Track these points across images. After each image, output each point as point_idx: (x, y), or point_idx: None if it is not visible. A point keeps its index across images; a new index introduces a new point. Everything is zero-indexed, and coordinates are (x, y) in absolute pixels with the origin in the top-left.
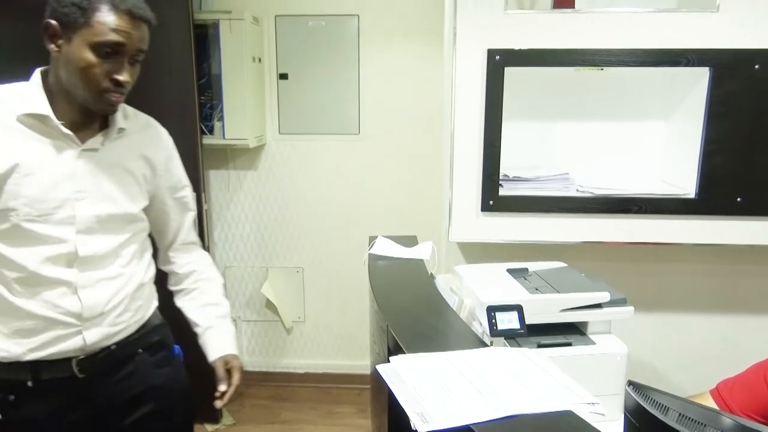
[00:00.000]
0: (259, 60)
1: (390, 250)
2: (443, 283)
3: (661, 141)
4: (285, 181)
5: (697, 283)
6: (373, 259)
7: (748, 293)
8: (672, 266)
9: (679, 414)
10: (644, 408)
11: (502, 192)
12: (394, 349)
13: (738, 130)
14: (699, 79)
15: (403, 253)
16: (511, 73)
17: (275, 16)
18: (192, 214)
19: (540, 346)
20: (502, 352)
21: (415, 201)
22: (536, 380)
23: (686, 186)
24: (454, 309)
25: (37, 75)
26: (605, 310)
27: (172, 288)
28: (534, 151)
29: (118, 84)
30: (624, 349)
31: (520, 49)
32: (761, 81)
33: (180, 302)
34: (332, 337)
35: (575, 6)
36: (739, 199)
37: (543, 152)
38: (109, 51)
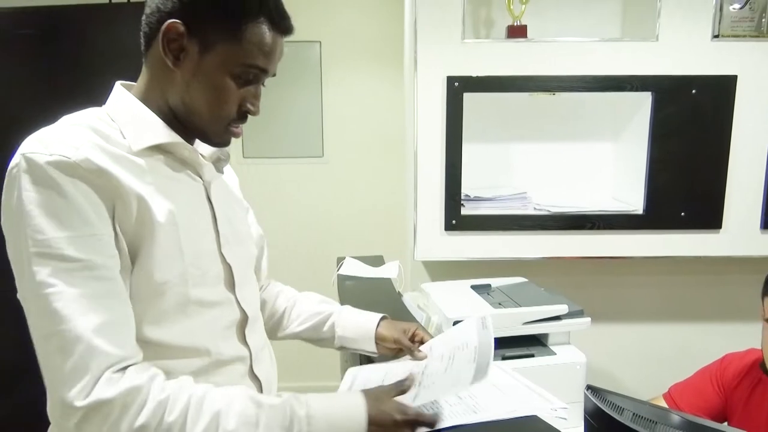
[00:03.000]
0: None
1: (358, 270)
2: (411, 301)
3: (611, 161)
4: (250, 204)
5: (649, 294)
6: (342, 279)
7: (695, 302)
8: (625, 278)
9: (633, 414)
10: (601, 409)
11: (464, 211)
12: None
13: (679, 149)
14: (642, 103)
15: (370, 272)
16: (469, 98)
17: None
18: (265, 240)
19: (504, 358)
20: None
21: (380, 221)
22: (510, 386)
23: (635, 202)
24: (423, 325)
25: (127, 93)
26: (564, 321)
27: (269, 324)
28: (493, 172)
29: (247, 114)
30: (583, 358)
31: (477, 76)
32: (698, 104)
33: (287, 327)
34: (302, 358)
35: (528, 36)
36: (682, 213)
37: (502, 173)
38: (251, 77)
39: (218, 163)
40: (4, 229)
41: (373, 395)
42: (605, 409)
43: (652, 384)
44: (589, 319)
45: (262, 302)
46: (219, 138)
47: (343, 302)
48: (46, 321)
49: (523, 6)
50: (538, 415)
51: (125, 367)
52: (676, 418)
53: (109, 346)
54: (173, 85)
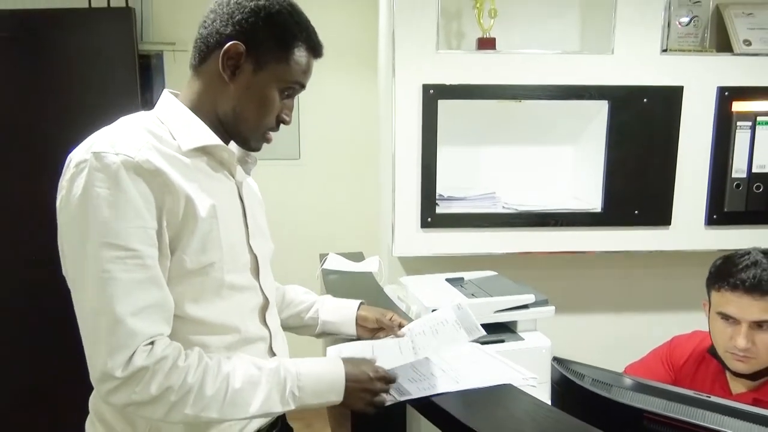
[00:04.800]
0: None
1: (341, 265)
2: (391, 293)
3: (572, 163)
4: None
5: (607, 285)
6: (326, 273)
7: (648, 293)
8: (585, 271)
9: (592, 379)
10: (565, 376)
11: (438, 210)
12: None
13: (632, 153)
14: (599, 110)
15: (352, 267)
16: (443, 104)
17: None
18: None
19: (479, 344)
20: None
21: (356, 220)
22: (487, 361)
23: (593, 201)
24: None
25: (175, 100)
26: (531, 310)
27: None
28: (465, 173)
29: (281, 124)
30: (548, 343)
31: (450, 84)
32: (649, 112)
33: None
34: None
35: (496, 48)
36: (636, 211)
37: (473, 174)
38: (291, 92)
39: (245, 166)
40: (60, 216)
41: (351, 359)
42: (568, 376)
43: (609, 366)
44: (553, 308)
45: None
46: (257, 143)
47: (330, 294)
48: (99, 300)
49: (492, 20)
50: (512, 384)
51: (153, 342)
52: (628, 381)
53: (144, 326)
54: (226, 95)
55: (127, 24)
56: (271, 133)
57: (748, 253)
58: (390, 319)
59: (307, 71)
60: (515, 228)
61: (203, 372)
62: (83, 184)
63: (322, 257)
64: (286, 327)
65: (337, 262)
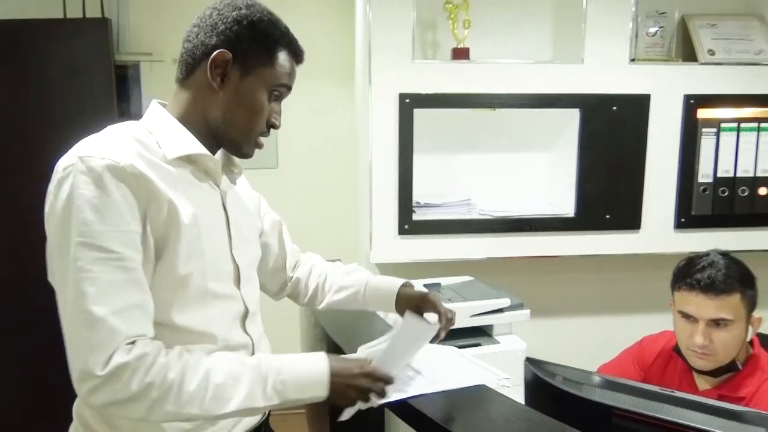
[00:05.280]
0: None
1: None
2: None
3: (546, 169)
4: None
5: (580, 288)
6: None
7: (620, 295)
8: (559, 275)
9: (564, 378)
10: (538, 376)
11: (415, 217)
12: (334, 352)
13: (604, 160)
14: (571, 118)
15: None
16: (419, 113)
17: None
18: (283, 225)
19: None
20: (431, 346)
21: (334, 228)
22: (461, 363)
23: (566, 207)
24: (382, 317)
25: (163, 109)
26: (506, 314)
27: (307, 300)
28: (441, 180)
29: (271, 128)
30: (523, 345)
31: (426, 94)
32: (618, 120)
33: (325, 299)
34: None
35: (470, 58)
36: (607, 216)
37: (449, 181)
38: (278, 95)
39: (231, 175)
40: (47, 218)
41: (336, 356)
42: (541, 375)
43: (583, 367)
44: (528, 311)
45: (297, 281)
46: (249, 149)
47: None
48: (79, 300)
49: (466, 31)
50: (487, 385)
51: (134, 341)
52: (598, 379)
53: (125, 326)
54: (215, 104)
55: (103, 34)
56: (262, 138)
57: (707, 254)
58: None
59: (291, 74)
60: (491, 234)
61: (183, 368)
62: (69, 187)
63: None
64: (338, 306)
65: None
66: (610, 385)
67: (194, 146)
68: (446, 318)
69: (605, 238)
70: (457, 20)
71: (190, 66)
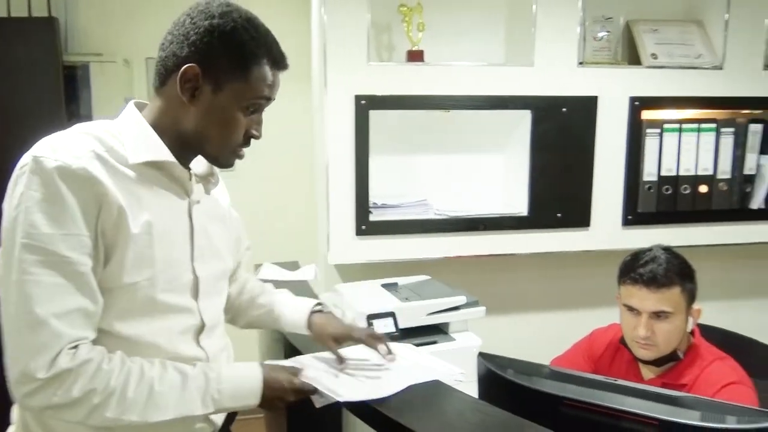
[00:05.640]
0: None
1: (277, 275)
2: (327, 301)
3: (500, 170)
4: None
5: (534, 286)
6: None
7: (571, 291)
8: (514, 273)
9: (515, 370)
10: (490, 369)
11: (372, 218)
12: (290, 352)
13: (554, 160)
14: (523, 119)
15: (289, 276)
16: (375, 114)
17: (146, 59)
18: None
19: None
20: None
21: (292, 230)
22: (415, 360)
23: (520, 206)
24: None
25: (137, 112)
26: (462, 311)
27: (229, 318)
28: (398, 181)
29: (251, 139)
30: (478, 342)
31: (381, 95)
32: (568, 121)
33: (244, 318)
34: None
35: (425, 60)
36: (559, 215)
37: (406, 182)
38: (256, 108)
39: (207, 186)
40: (2, 217)
41: (270, 365)
42: (492, 368)
43: (536, 361)
44: (484, 308)
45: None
46: (227, 161)
47: None
48: (23, 302)
49: (420, 33)
50: (441, 380)
51: (77, 345)
52: (547, 370)
53: (69, 329)
54: (187, 117)
55: (50, 34)
56: (241, 152)
57: (650, 250)
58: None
59: (272, 85)
60: (447, 233)
61: (126, 375)
62: (21, 187)
63: (257, 267)
64: (251, 325)
65: (272, 272)
66: (559, 377)
67: (159, 153)
68: (371, 338)
69: (557, 236)
70: (412, 23)
71: (163, 76)
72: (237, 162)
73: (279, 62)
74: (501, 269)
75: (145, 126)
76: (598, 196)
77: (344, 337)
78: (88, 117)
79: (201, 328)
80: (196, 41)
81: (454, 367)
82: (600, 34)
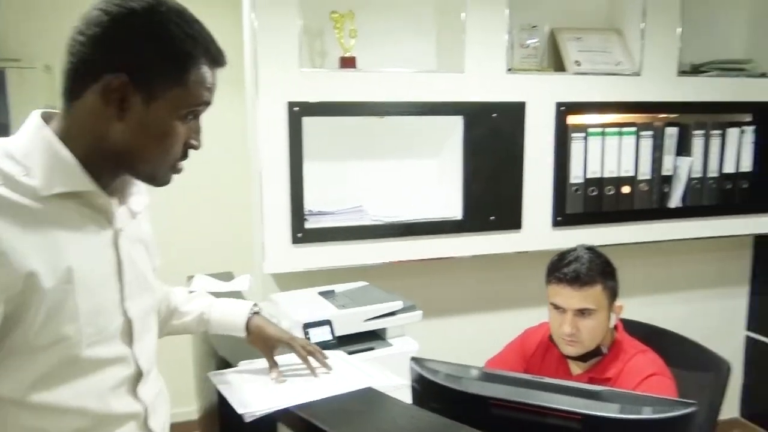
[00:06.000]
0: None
1: (209, 286)
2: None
3: (434, 174)
4: None
5: (469, 288)
6: None
7: (505, 292)
8: (450, 276)
9: (445, 374)
10: (421, 374)
11: (308, 225)
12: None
13: (486, 164)
14: (456, 125)
15: (221, 287)
16: (310, 121)
17: None
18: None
19: (350, 353)
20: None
21: (228, 239)
22: (347, 368)
23: (454, 210)
24: None
25: (45, 127)
26: (399, 316)
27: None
28: (334, 188)
29: (188, 151)
30: (416, 346)
31: (314, 102)
32: (498, 126)
33: (165, 327)
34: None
35: (358, 66)
36: (492, 217)
37: (341, 188)
38: (195, 114)
39: (131, 205)
40: None
41: None
42: (423, 373)
43: (473, 362)
44: (420, 312)
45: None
46: (164, 179)
47: None
48: None
49: (353, 40)
50: (374, 387)
51: None
52: (475, 371)
53: None
54: (113, 134)
55: None
56: (180, 166)
57: (574, 250)
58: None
59: (211, 87)
60: (384, 239)
61: None
62: None
63: (189, 279)
64: (172, 333)
65: (204, 283)
66: (487, 377)
67: (78, 182)
68: (306, 351)
69: (490, 239)
70: (344, 29)
71: (77, 86)
72: None
73: (218, 59)
74: (438, 273)
75: (55, 145)
76: (528, 199)
77: (280, 342)
78: (6, 126)
79: (138, 377)
80: (118, 42)
81: (390, 374)
82: (527, 42)
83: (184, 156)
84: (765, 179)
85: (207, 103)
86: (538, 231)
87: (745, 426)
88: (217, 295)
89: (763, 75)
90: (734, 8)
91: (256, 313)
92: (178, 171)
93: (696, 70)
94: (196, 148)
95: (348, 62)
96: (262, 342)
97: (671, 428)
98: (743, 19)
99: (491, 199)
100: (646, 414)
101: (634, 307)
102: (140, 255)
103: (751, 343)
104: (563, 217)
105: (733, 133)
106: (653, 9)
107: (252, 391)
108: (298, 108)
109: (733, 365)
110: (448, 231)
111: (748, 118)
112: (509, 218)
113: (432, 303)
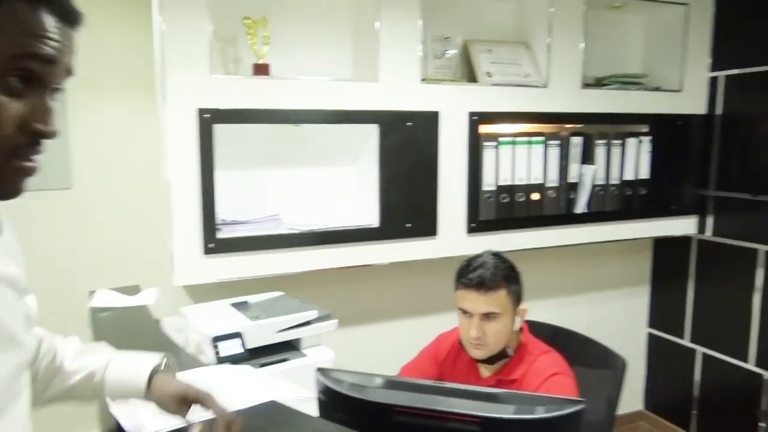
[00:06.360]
0: None
1: (113, 301)
2: (170, 325)
3: (351, 182)
4: None
5: (387, 295)
6: (96, 312)
7: (422, 298)
8: (368, 283)
9: (350, 383)
10: (326, 385)
11: (221, 235)
12: None
13: (402, 172)
14: (371, 133)
15: (126, 302)
16: (223, 128)
17: None
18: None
19: (262, 365)
20: (221, 369)
21: (139, 251)
22: (247, 384)
23: (371, 217)
24: (182, 346)
25: None
26: (314, 325)
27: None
28: (249, 197)
29: (39, 139)
30: (330, 356)
31: (226, 109)
32: (413, 135)
33: (45, 391)
34: (56, 408)
35: (271, 73)
36: (408, 224)
37: (257, 197)
38: (28, 76)
39: None
40: None
41: None
42: (329, 384)
43: (392, 369)
44: (336, 321)
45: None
46: (9, 184)
47: (97, 336)
48: None
49: (266, 47)
50: (276, 401)
51: None
52: (379, 380)
53: None
54: None
55: None
56: (30, 162)
57: (480, 255)
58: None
59: (44, 35)
60: (300, 247)
61: None
62: None
63: (91, 294)
64: (54, 400)
65: (106, 299)
66: (391, 385)
67: None
68: (224, 422)
69: (407, 246)
70: (257, 36)
71: None
72: (74, 178)
73: (63, 6)
74: (356, 280)
75: None
76: (443, 206)
77: (186, 398)
78: None
79: None
80: None
81: (295, 387)
82: (443, 53)
83: (31, 144)
84: (661, 186)
85: (45, 58)
86: (453, 237)
87: (649, 417)
88: (120, 311)
89: (657, 89)
90: (632, 26)
91: (163, 368)
92: (25, 171)
93: (598, 83)
94: (46, 134)
95: (261, 69)
96: (169, 403)
97: (562, 425)
98: (640, 37)
99: (407, 206)
100: (540, 413)
101: (545, 309)
102: (3, 298)
103: (653, 340)
104: (477, 223)
105: (632, 142)
106: (558, 25)
107: (147, 413)
108: (208, 115)
109: (637, 361)
110: (365, 238)
111: (645, 128)
112: (425, 225)
113: (350, 311)
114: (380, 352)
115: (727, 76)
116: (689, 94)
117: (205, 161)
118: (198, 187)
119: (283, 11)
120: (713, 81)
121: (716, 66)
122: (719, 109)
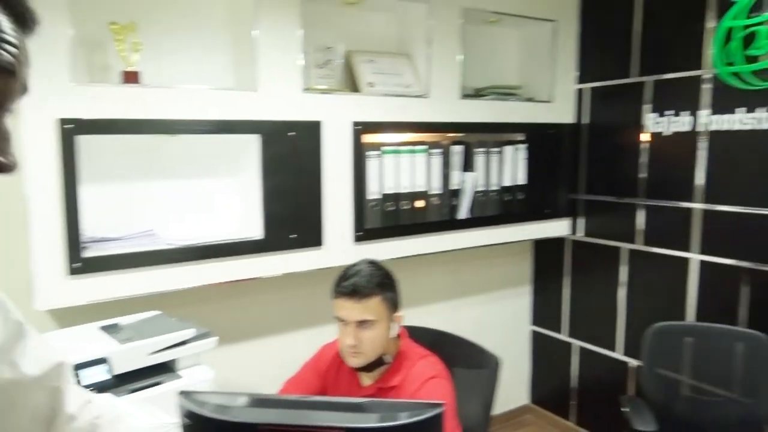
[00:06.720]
0: None
1: None
2: None
3: (234, 194)
4: None
5: (272, 308)
6: None
7: (309, 309)
8: (252, 297)
9: (214, 405)
10: (189, 408)
11: (89, 253)
12: None
13: (285, 182)
14: (253, 144)
15: None
16: (90, 140)
17: None
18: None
19: (132, 391)
20: None
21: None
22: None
23: (255, 230)
24: None
25: None
26: (191, 345)
27: None
28: (121, 212)
29: None
30: (210, 375)
31: (91, 119)
32: (295, 145)
33: None
34: None
35: (143, 81)
36: (293, 236)
37: (130, 212)
38: None
39: None
40: None
41: None
42: (191, 407)
43: (277, 387)
44: (216, 338)
45: None
46: None
47: None
48: None
49: (136, 54)
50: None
51: None
52: (244, 399)
53: None
54: None
55: None
56: None
57: (356, 264)
58: None
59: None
60: (180, 263)
61: None
62: None
63: None
64: None
65: None
66: (256, 403)
67: None
68: None
69: (293, 257)
70: (125, 42)
71: None
72: None
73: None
74: (240, 295)
75: None
76: (328, 216)
77: None
78: None
79: None
80: None
81: (161, 413)
82: (325, 62)
83: None
84: (536, 191)
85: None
86: (339, 247)
87: (534, 410)
88: None
89: (530, 99)
90: (507, 40)
91: None
92: None
93: (477, 93)
94: (4, 168)
95: (131, 77)
96: None
97: (423, 429)
98: (514, 51)
99: (292, 217)
100: (402, 419)
101: (433, 314)
102: None
103: (536, 337)
104: (363, 232)
105: (509, 150)
106: (437, 38)
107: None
108: (71, 125)
109: (522, 358)
110: (248, 251)
111: (521, 137)
112: (310, 235)
113: (234, 327)
114: (265, 368)
115: (592, 88)
116: (559, 104)
117: (68, 175)
118: (60, 203)
119: (155, 16)
120: (580, 93)
121: (582, 78)
122: (586, 119)
